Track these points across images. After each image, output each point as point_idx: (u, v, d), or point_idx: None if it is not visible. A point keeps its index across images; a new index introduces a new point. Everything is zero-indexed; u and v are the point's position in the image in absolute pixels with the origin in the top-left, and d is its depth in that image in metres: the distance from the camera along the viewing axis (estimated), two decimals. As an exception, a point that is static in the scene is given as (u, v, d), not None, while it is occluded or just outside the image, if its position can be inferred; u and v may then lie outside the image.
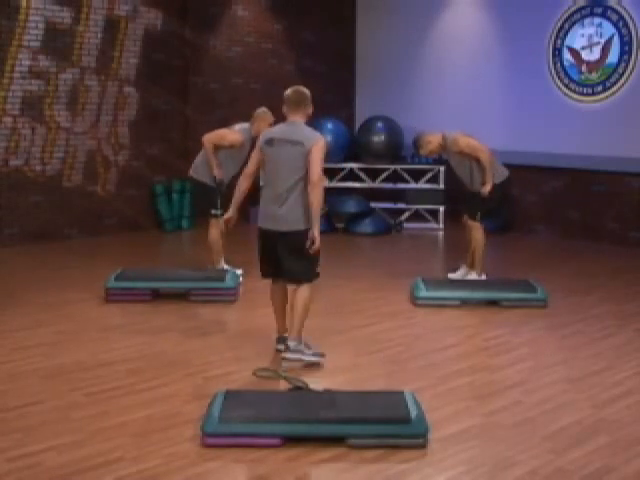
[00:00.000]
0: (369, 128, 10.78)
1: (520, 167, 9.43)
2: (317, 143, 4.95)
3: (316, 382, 4.62)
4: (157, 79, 10.12)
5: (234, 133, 7.22)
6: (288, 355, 5.07)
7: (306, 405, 4.11)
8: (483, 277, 7.26)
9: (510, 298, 6.56)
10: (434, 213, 10.68)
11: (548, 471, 3.65)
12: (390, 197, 10.90)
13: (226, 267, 7.30)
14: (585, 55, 9.59)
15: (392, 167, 10.70)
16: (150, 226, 10.17)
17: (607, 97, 9.38)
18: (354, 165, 10.82)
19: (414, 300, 6.60)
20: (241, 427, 3.89)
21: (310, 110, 5.15)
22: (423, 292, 6.59)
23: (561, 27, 9.75)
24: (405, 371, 5.04)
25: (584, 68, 9.59)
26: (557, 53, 9.82)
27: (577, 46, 9.64)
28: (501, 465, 3.71)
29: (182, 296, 6.64)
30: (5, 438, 3.95)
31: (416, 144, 7.46)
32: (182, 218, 10.26)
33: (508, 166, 7.38)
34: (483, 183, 7.05)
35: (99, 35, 9.50)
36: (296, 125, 5.09)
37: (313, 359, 5.09)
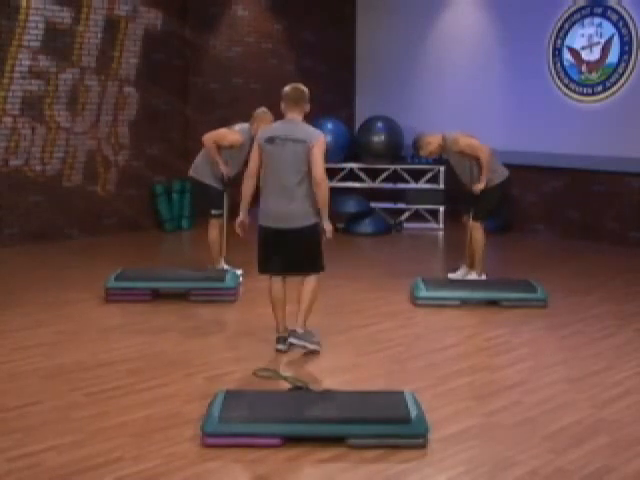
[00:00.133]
0: (369, 128, 10.77)
1: (520, 167, 9.42)
2: (318, 140, 5.00)
3: (316, 382, 4.62)
4: (157, 79, 10.12)
5: (234, 133, 7.21)
6: (294, 340, 5.15)
7: (306, 405, 4.11)
8: (483, 277, 7.26)
9: (510, 298, 6.56)
10: (434, 213, 10.68)
11: (548, 471, 3.65)
12: (390, 197, 10.89)
13: (226, 267, 7.30)
14: (585, 55, 9.59)
15: (392, 167, 10.70)
16: (150, 226, 10.16)
17: (607, 97, 9.38)
18: (354, 165, 10.81)
19: (414, 300, 6.60)
20: (241, 427, 3.89)
21: (308, 107, 5.18)
22: (423, 292, 6.59)
23: (561, 27, 9.74)
24: (405, 371, 5.04)
25: (584, 68, 9.59)
26: (557, 53, 9.81)
27: (577, 46, 9.63)
28: (501, 465, 3.71)
29: (182, 296, 6.64)
30: (5, 438, 3.95)
31: (416, 145, 7.45)
32: (182, 218, 10.25)
33: (508, 166, 7.38)
34: (479, 181, 7.06)
35: (99, 35, 9.50)
36: (296, 122, 5.10)
37: (316, 347, 5.25)
